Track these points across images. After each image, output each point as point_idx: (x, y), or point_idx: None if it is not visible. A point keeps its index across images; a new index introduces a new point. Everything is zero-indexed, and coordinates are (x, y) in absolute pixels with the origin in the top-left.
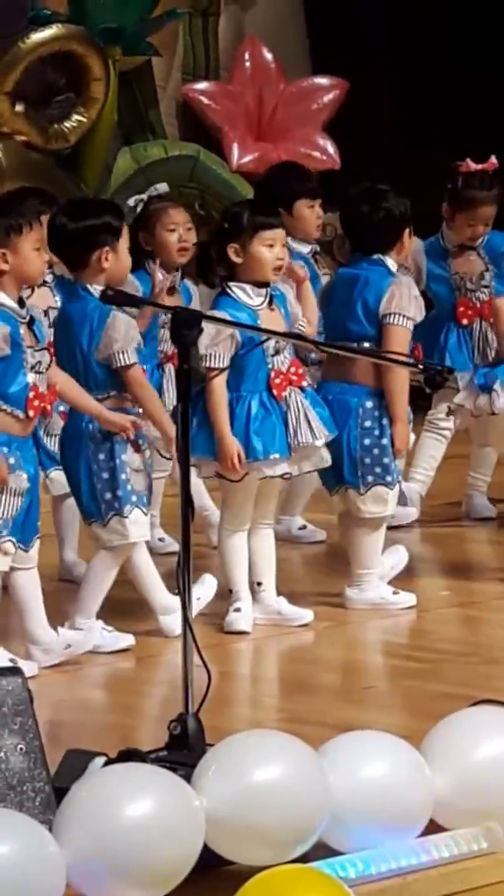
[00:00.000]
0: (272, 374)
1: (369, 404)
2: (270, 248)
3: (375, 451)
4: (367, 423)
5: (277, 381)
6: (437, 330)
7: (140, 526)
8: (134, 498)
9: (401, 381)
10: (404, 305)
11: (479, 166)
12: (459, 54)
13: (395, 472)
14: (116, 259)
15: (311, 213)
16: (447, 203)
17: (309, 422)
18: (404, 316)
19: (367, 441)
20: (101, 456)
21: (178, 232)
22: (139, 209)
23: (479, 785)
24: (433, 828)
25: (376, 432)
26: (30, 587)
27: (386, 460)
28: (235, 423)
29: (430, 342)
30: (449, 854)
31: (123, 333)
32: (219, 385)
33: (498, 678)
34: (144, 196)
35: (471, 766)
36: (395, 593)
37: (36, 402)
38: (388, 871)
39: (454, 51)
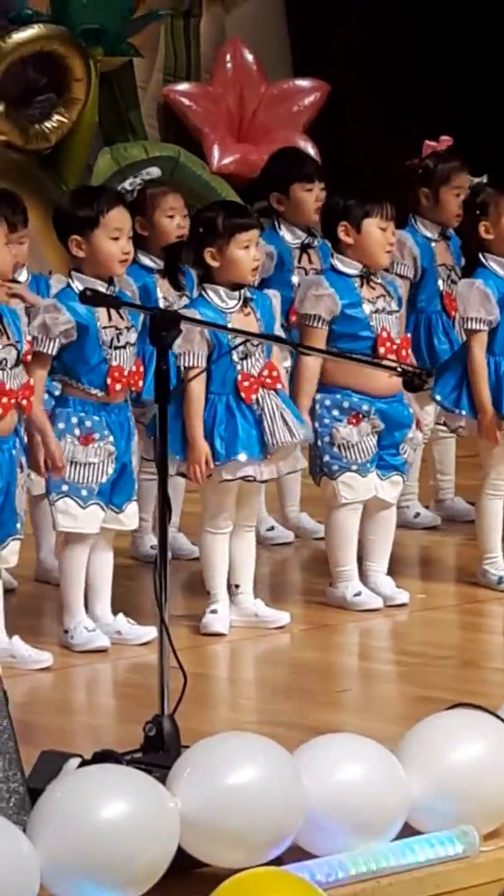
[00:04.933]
0: (240, 378)
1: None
2: (246, 249)
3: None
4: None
5: (246, 384)
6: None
7: (69, 517)
8: (65, 487)
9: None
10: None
11: (437, 145)
12: (441, 57)
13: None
14: None
15: (308, 196)
16: (423, 187)
17: (285, 420)
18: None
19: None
20: None
21: (177, 218)
22: (135, 194)
23: (454, 788)
24: (408, 831)
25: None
26: None
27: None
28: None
29: (422, 338)
30: (424, 857)
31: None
32: (196, 386)
33: (474, 681)
34: (139, 180)
35: (446, 769)
36: (356, 595)
37: (3, 400)
38: (362, 875)
39: (435, 53)
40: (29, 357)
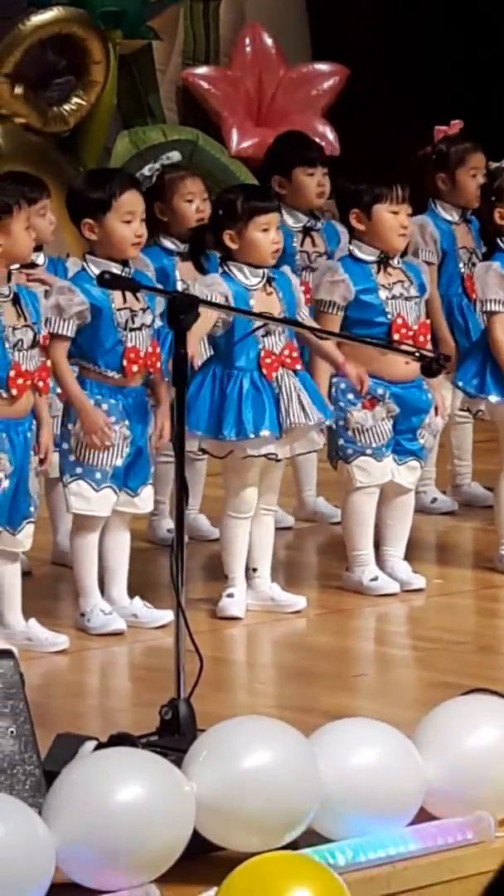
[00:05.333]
0: (262, 355)
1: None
2: (266, 232)
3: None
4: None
5: (268, 361)
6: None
7: (82, 499)
8: (78, 470)
9: None
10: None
11: (448, 129)
12: (459, 41)
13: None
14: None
15: (310, 180)
16: (439, 172)
17: (301, 403)
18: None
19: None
20: (62, 423)
21: (196, 202)
22: (154, 179)
23: (470, 774)
24: (424, 816)
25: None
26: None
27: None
28: (227, 401)
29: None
30: (439, 843)
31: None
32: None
33: (491, 667)
34: (158, 165)
35: (462, 754)
36: (373, 579)
37: (19, 381)
38: (377, 859)
39: (454, 37)
40: (46, 341)
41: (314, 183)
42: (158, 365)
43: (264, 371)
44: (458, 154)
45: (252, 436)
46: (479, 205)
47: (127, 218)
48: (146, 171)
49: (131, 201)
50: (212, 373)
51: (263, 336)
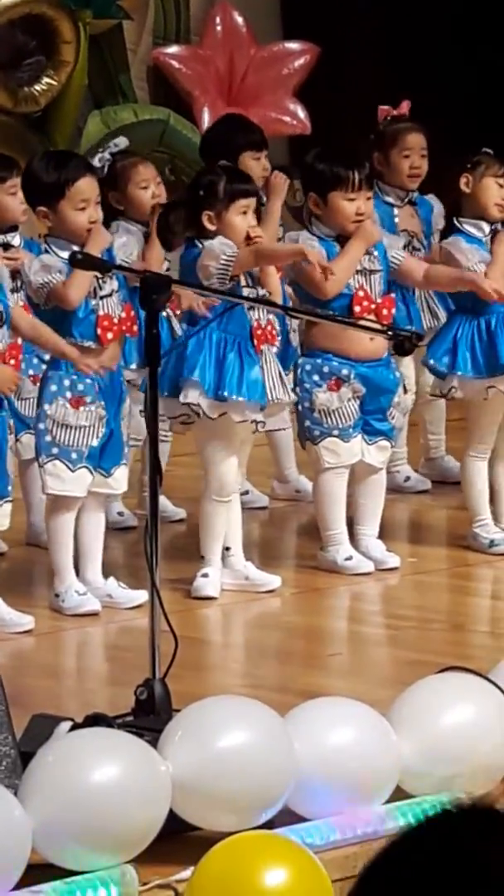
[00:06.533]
0: (254, 325)
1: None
2: (244, 215)
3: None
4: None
5: (259, 332)
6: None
7: (57, 480)
8: (54, 450)
9: None
10: None
11: (391, 109)
12: (432, 18)
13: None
14: None
15: (256, 164)
16: (377, 152)
17: (282, 379)
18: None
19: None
20: (38, 403)
21: (151, 188)
22: (105, 169)
23: (445, 752)
24: (399, 794)
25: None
26: None
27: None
28: (228, 362)
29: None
30: (415, 821)
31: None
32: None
33: (464, 645)
34: (107, 154)
35: (437, 733)
36: (347, 559)
37: None
38: (353, 838)
39: (426, 15)
40: (21, 318)
41: (260, 167)
42: (135, 328)
43: (254, 342)
44: (392, 134)
45: (250, 399)
46: (413, 187)
47: (81, 206)
48: (96, 161)
49: (85, 189)
50: (208, 336)
51: (249, 309)
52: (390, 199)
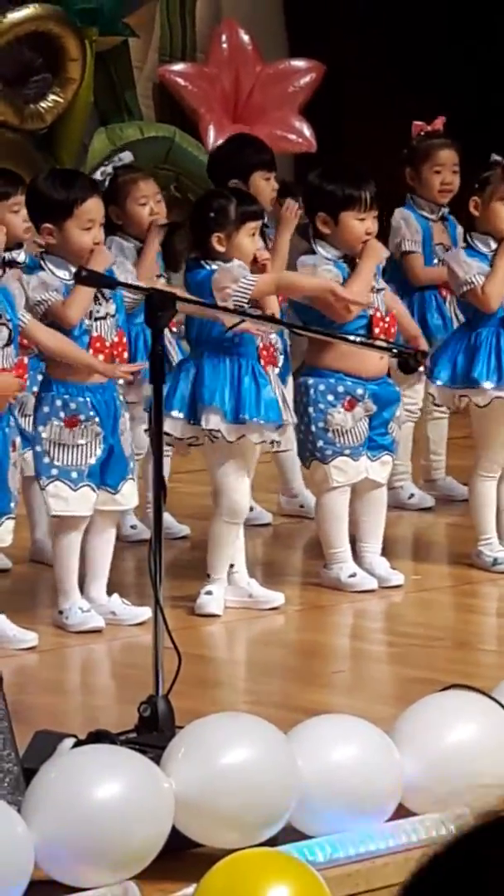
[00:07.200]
0: (260, 346)
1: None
2: (252, 237)
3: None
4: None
5: (265, 353)
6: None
7: (60, 500)
8: (54, 471)
9: None
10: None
11: (429, 127)
12: (435, 37)
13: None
14: None
15: (266, 185)
16: (409, 167)
17: (286, 400)
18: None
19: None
20: (33, 426)
21: (150, 205)
22: (107, 182)
23: (448, 770)
24: (402, 812)
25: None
26: None
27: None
28: (244, 385)
29: (414, 314)
30: (417, 839)
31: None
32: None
33: (468, 663)
34: (110, 168)
35: (440, 750)
36: (351, 576)
37: None
38: (356, 856)
39: (432, 34)
40: (27, 338)
41: (270, 188)
42: (126, 355)
43: (262, 362)
44: (424, 150)
45: (268, 421)
46: (444, 201)
47: (87, 225)
48: (98, 174)
49: (93, 209)
50: (221, 360)
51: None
52: (424, 213)
